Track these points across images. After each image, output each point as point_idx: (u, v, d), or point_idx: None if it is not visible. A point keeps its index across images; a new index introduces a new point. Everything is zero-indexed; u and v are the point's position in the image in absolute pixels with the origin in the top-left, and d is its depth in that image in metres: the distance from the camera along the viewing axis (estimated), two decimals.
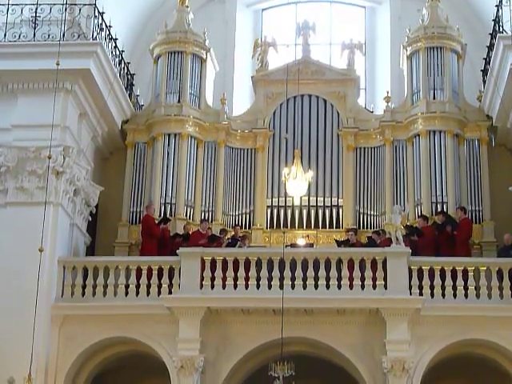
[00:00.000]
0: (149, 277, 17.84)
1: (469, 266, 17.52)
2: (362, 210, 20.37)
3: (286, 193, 18.60)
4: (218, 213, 20.47)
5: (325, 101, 21.17)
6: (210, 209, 20.49)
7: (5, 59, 18.15)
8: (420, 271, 17.44)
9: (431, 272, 17.45)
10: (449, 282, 17.36)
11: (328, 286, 17.38)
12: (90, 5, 19.22)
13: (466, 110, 20.67)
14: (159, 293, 17.62)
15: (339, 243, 18.90)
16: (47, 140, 15.99)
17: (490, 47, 20.22)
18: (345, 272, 17.40)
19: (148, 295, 17.74)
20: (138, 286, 17.83)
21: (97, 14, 19.44)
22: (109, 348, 18.11)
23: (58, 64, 14.62)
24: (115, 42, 20.56)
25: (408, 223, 19.15)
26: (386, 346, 16.83)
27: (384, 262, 17.34)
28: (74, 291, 17.92)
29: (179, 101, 20.85)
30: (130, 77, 21.93)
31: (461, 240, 18.71)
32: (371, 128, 20.93)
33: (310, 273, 17.44)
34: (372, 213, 20.35)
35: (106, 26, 19.96)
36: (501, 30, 19.24)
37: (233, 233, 19.38)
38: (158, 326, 17.46)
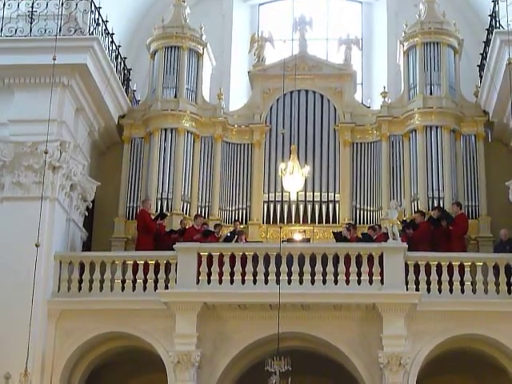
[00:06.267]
0: (145, 272, 17.85)
1: (465, 261, 17.54)
2: (358, 206, 20.35)
3: (282, 188, 18.55)
4: (214, 208, 20.48)
5: (321, 96, 21.15)
6: (207, 204, 20.51)
7: (1, 54, 18.12)
8: (416, 266, 17.46)
9: (428, 267, 17.46)
10: (445, 277, 17.38)
11: (324, 281, 17.38)
12: None
13: (462, 106, 20.66)
14: (156, 288, 17.62)
15: (336, 235, 18.94)
16: (44, 135, 16.00)
17: (487, 42, 20.20)
18: (341, 267, 17.42)
19: (145, 290, 17.73)
20: (134, 281, 17.82)
21: (93, 8, 19.42)
22: (105, 343, 18.11)
23: (54, 59, 14.68)
24: (112, 37, 20.52)
25: (405, 218, 19.20)
26: (383, 341, 16.85)
27: (380, 258, 17.35)
28: (70, 286, 17.91)
29: (176, 96, 20.85)
30: (126, 72, 21.90)
31: (457, 235, 18.72)
32: (368, 123, 20.91)
33: (307, 268, 17.43)
34: (368, 208, 20.34)
35: (103, 20, 19.93)
36: (497, 25, 19.23)
37: (231, 228, 19.42)
38: (155, 321, 17.47)
